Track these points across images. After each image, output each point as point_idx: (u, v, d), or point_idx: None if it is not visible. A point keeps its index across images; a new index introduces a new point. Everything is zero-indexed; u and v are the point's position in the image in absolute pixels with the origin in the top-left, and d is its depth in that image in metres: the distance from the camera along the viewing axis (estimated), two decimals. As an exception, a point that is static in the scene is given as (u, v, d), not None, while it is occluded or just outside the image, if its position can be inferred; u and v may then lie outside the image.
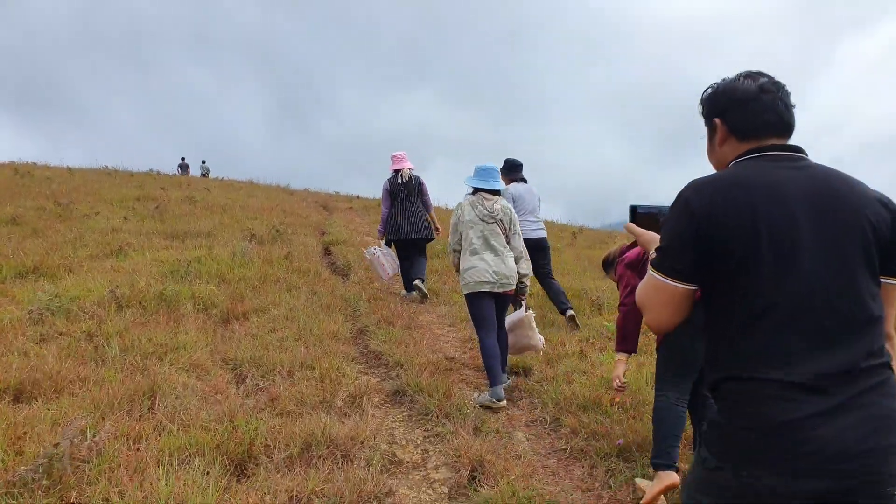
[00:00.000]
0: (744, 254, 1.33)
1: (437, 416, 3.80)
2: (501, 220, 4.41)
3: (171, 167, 24.92)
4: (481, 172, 4.54)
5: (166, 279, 6.12)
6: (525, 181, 6.39)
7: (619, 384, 3.23)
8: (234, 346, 4.60)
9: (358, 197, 22.19)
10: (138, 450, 2.85)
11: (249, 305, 5.61)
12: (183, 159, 26.27)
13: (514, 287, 4.40)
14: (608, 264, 3.59)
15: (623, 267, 3.29)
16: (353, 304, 6.33)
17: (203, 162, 26.24)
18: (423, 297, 6.98)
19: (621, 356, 3.25)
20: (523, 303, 4.72)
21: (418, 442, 3.59)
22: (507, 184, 6.16)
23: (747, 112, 1.46)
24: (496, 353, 4.25)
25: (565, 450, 3.60)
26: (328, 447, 3.09)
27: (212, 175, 25.74)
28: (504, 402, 4.15)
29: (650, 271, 1.45)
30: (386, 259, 6.94)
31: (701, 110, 1.57)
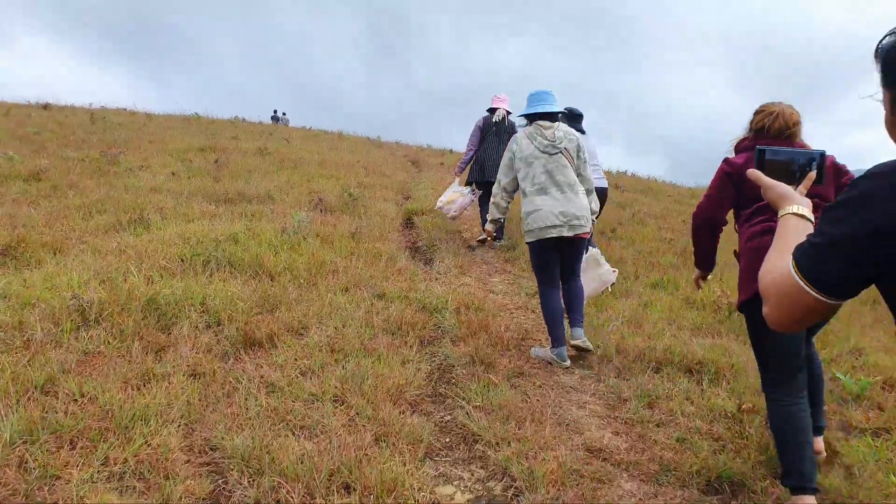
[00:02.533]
0: None
1: None
2: (566, 149, 3.87)
3: (264, 117, 24.28)
4: (532, 97, 4.04)
5: (180, 270, 4.37)
6: (584, 132, 6.03)
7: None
8: (231, 414, 2.72)
9: (451, 151, 20.11)
10: None
11: (282, 321, 3.74)
12: (275, 111, 25.44)
13: (587, 229, 3.84)
14: None
15: (718, 171, 2.74)
16: (436, 315, 4.34)
17: (283, 114, 25.33)
18: (497, 239, 6.85)
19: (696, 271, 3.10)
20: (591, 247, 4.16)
21: None
22: None
23: None
24: (560, 311, 3.87)
25: None
26: None
27: (301, 124, 24.65)
28: (569, 363, 3.77)
29: (792, 269, 1.05)
30: (453, 204, 6.73)
31: (879, 65, 1.03)
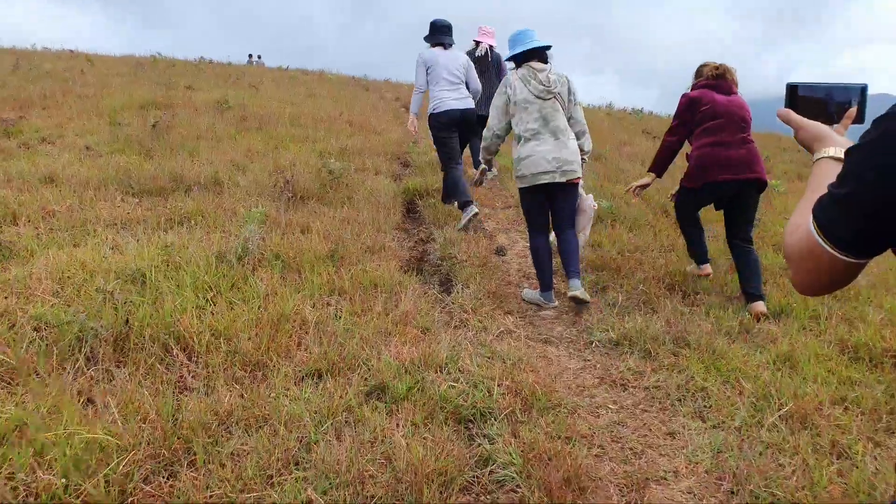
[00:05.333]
0: None
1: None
2: (560, 94, 3.80)
3: (239, 58, 21.86)
4: (517, 37, 3.85)
5: (28, 361, 2.47)
6: (450, 46, 5.51)
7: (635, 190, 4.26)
8: None
9: (449, 91, 17.77)
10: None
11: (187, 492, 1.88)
12: (251, 55, 22.89)
13: (579, 174, 3.81)
14: None
15: (684, 101, 4.01)
16: (479, 433, 2.49)
17: (259, 56, 22.79)
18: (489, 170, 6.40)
19: (650, 175, 4.23)
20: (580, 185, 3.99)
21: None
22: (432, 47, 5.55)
23: None
24: (549, 256, 3.90)
25: None
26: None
27: (279, 65, 22.17)
28: (556, 304, 3.85)
29: (811, 225, 0.92)
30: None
31: None
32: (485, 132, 4.00)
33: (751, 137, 3.92)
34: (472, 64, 5.66)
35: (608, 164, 7.62)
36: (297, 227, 4.38)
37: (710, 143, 3.85)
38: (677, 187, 4.24)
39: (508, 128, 3.92)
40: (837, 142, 1.06)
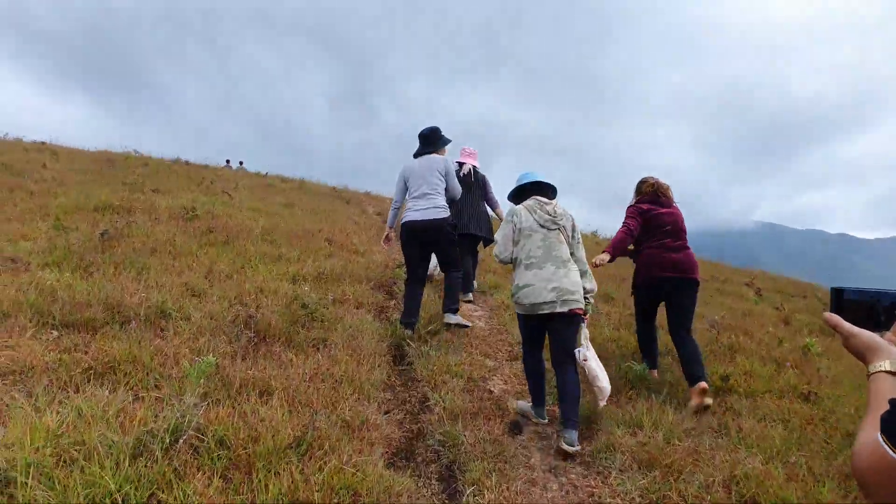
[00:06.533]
0: None
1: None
2: (564, 227, 3.85)
3: (221, 160, 21.73)
4: (522, 176, 4.05)
5: None
6: (432, 152, 5.27)
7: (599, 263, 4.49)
8: None
9: (431, 208, 17.36)
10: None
11: None
12: (228, 161, 22.79)
13: (581, 305, 3.68)
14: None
15: (633, 208, 4.71)
16: None
17: (241, 162, 22.83)
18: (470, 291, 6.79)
19: (607, 255, 4.58)
20: (583, 325, 3.77)
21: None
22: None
23: None
24: (542, 374, 3.83)
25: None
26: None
27: (259, 169, 21.97)
28: (545, 421, 3.79)
29: (882, 442, 0.86)
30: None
31: None
32: (494, 253, 3.99)
33: (687, 244, 4.59)
34: (451, 167, 5.28)
35: (621, 307, 6.83)
36: (255, 388, 3.36)
37: (655, 246, 4.55)
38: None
39: (513, 255, 3.90)
40: (892, 354, 1.01)
